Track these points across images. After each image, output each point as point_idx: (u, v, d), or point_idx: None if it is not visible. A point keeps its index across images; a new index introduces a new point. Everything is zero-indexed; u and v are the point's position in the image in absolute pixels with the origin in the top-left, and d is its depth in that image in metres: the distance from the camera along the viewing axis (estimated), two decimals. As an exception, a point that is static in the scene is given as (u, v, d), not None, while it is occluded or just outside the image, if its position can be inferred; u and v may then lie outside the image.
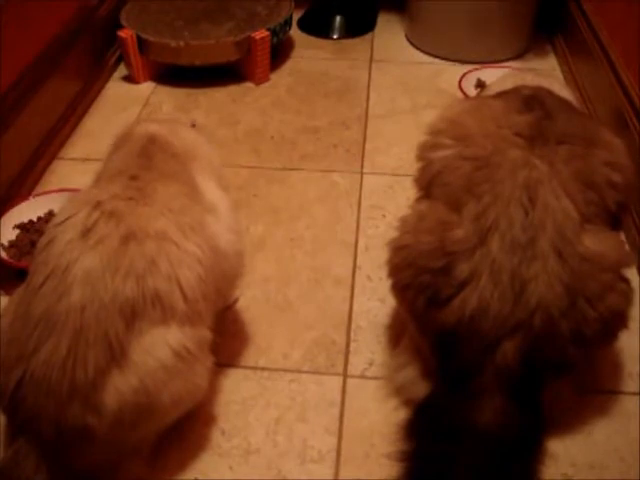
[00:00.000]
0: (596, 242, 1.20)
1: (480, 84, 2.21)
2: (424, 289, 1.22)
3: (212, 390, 1.36)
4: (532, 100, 1.40)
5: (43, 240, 1.15)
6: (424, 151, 1.40)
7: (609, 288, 1.18)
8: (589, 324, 1.16)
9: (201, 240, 1.19)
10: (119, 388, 1.06)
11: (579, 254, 1.17)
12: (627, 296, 1.21)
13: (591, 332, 1.17)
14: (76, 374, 1.04)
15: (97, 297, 1.06)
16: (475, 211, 1.21)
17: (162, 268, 1.12)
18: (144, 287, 1.09)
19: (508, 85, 1.53)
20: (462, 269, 1.18)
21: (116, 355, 1.06)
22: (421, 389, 1.29)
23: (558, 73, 2.43)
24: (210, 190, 1.32)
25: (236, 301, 1.57)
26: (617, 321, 1.21)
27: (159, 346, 1.10)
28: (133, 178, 1.21)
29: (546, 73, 2.26)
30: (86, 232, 1.10)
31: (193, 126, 1.49)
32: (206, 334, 1.20)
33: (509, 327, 1.15)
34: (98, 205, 1.13)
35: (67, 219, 1.13)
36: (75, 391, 1.04)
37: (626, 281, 1.22)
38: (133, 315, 1.08)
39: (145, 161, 1.27)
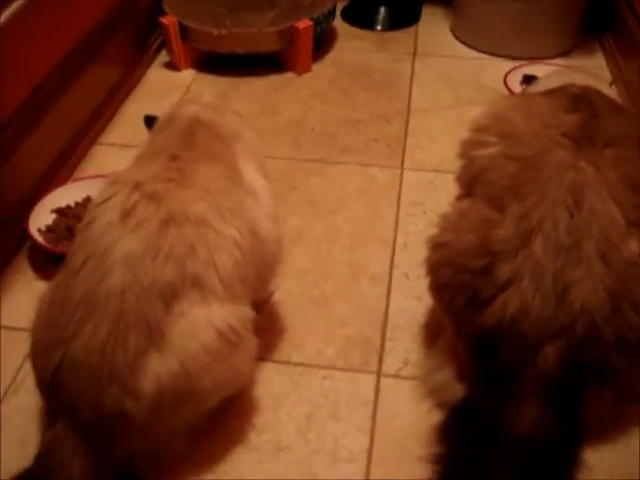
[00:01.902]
0: (642, 247, 1.17)
1: (526, 81, 2.17)
2: (463, 289, 1.19)
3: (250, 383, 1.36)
4: (580, 99, 1.37)
5: (83, 221, 1.15)
6: (467, 148, 1.37)
7: (655, 294, 1.14)
8: (633, 330, 1.13)
9: (240, 223, 1.19)
10: (158, 372, 1.06)
11: (624, 259, 1.14)
12: (674, 303, 1.18)
13: (635, 338, 1.14)
14: (116, 357, 1.04)
15: (137, 281, 1.05)
16: (519, 212, 1.18)
17: (201, 253, 1.11)
18: (184, 271, 1.09)
19: (555, 83, 1.50)
20: (504, 270, 1.15)
21: (155, 338, 1.06)
22: (456, 392, 1.27)
23: (605, 71, 2.38)
24: (251, 174, 1.31)
25: (272, 294, 1.55)
26: (662, 328, 1.17)
27: (202, 327, 1.09)
28: (174, 158, 1.21)
29: (594, 73, 2.21)
30: (126, 214, 1.09)
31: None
32: (248, 312, 1.19)
33: (551, 331, 1.12)
34: (138, 186, 1.13)
35: (107, 200, 1.13)
36: (114, 375, 1.04)
37: (672, 286, 1.18)
38: (173, 297, 1.07)
39: (188, 139, 1.26)
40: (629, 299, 1.13)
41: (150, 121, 1.42)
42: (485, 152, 1.32)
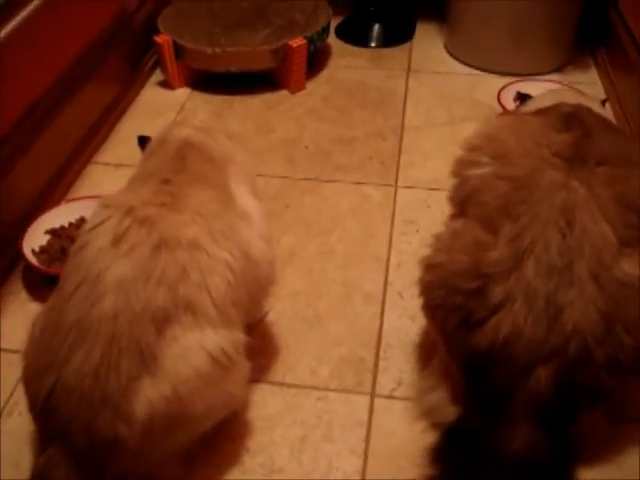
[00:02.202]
0: (635, 267, 1.16)
1: (519, 97, 2.17)
2: (456, 310, 1.19)
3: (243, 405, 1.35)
4: (571, 118, 1.37)
5: (75, 245, 1.15)
6: (460, 168, 1.38)
7: (648, 315, 1.14)
8: (626, 352, 1.13)
9: (232, 246, 1.19)
10: (150, 397, 1.05)
11: (617, 279, 1.14)
12: (667, 323, 1.17)
13: (628, 360, 1.13)
14: (108, 382, 1.04)
15: (129, 305, 1.05)
16: (511, 233, 1.18)
17: (193, 277, 1.11)
18: (176, 295, 1.09)
19: (547, 102, 1.50)
20: (496, 292, 1.15)
21: (148, 363, 1.05)
22: (450, 413, 1.26)
23: (599, 86, 2.39)
24: (244, 197, 1.31)
25: (266, 315, 1.55)
26: (655, 349, 1.17)
27: (194, 352, 1.09)
28: (165, 182, 1.21)
29: (584, 92, 2.22)
30: (118, 239, 1.10)
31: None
32: (241, 337, 1.18)
33: (543, 353, 1.12)
34: (130, 211, 1.13)
35: (99, 225, 1.13)
36: (107, 400, 1.04)
37: (666, 307, 1.18)
38: (165, 322, 1.07)
39: (179, 163, 1.26)
40: (622, 320, 1.12)
41: (143, 141, 1.42)
42: (477, 172, 1.32)
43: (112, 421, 1.04)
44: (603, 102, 1.64)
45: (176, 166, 1.26)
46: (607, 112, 1.53)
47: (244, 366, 1.20)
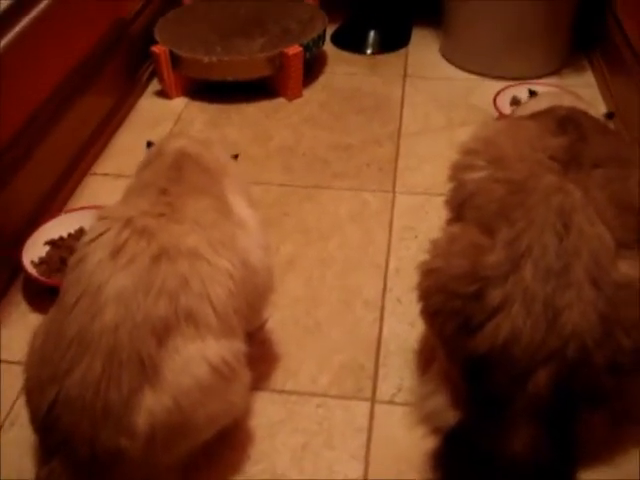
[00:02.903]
0: (632, 269, 1.17)
1: (516, 101, 2.18)
2: (455, 315, 1.19)
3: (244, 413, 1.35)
4: (567, 122, 1.38)
5: (74, 258, 1.15)
6: (457, 172, 1.38)
7: (646, 316, 1.14)
8: (625, 353, 1.13)
9: (232, 254, 1.19)
10: (152, 409, 1.05)
11: (615, 281, 1.14)
12: (665, 324, 1.18)
13: (627, 362, 1.14)
14: (110, 394, 1.04)
15: (130, 316, 1.05)
16: (508, 236, 1.18)
17: (194, 286, 1.11)
18: (177, 305, 1.09)
19: (543, 105, 1.51)
20: (494, 295, 1.15)
21: (149, 375, 1.05)
22: (450, 417, 1.26)
23: (595, 90, 2.39)
24: (240, 206, 1.31)
25: (266, 322, 1.55)
26: (654, 350, 1.17)
27: (196, 362, 1.09)
28: (163, 192, 1.21)
29: (582, 94, 2.22)
30: (117, 251, 1.10)
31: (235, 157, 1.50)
32: (242, 346, 1.19)
33: (542, 356, 1.12)
34: (128, 222, 1.13)
35: (98, 237, 1.13)
36: (109, 412, 1.04)
37: (664, 308, 1.18)
38: (167, 333, 1.07)
39: (175, 174, 1.27)
40: (620, 322, 1.13)
41: (151, 146, 1.43)
42: (474, 176, 1.33)
43: (114, 433, 1.04)
44: (609, 116, 1.63)
45: (173, 176, 1.26)
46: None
47: (245, 375, 1.20)
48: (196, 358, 1.09)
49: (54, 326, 1.12)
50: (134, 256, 1.09)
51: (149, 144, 1.45)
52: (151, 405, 1.05)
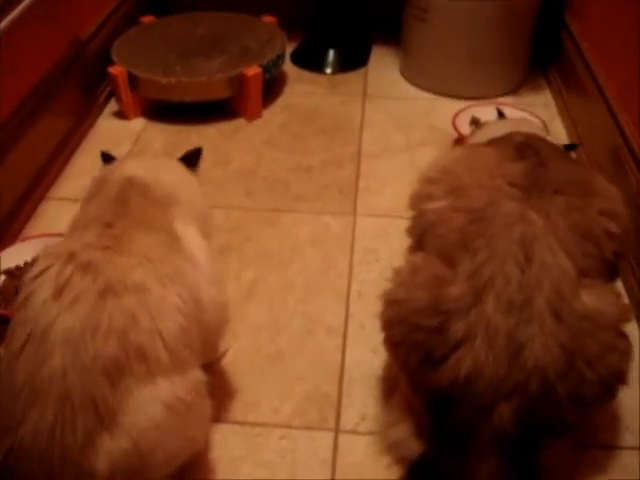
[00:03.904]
0: (594, 299, 1.17)
1: (475, 121, 2.19)
2: (417, 347, 1.18)
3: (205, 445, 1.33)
4: (525, 147, 1.38)
5: (21, 296, 1.11)
6: (416, 201, 1.38)
7: (608, 347, 1.14)
8: (588, 385, 1.13)
9: (181, 289, 1.15)
10: (110, 452, 1.03)
11: (577, 313, 1.14)
12: (627, 354, 1.18)
13: (590, 393, 1.14)
14: (65, 441, 1.01)
15: (78, 359, 1.02)
16: (470, 268, 1.18)
17: (143, 322, 1.08)
18: (126, 343, 1.05)
19: (500, 132, 1.51)
20: (457, 329, 1.14)
21: (104, 418, 1.03)
22: (414, 447, 1.26)
23: (553, 108, 2.41)
24: (190, 238, 1.27)
25: (225, 353, 1.53)
26: (616, 380, 1.17)
27: (150, 404, 1.06)
28: (108, 226, 1.18)
29: (540, 114, 2.24)
30: (60, 290, 1.06)
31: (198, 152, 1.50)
32: (198, 376, 1.16)
33: (505, 390, 1.12)
34: (71, 257, 1.10)
35: (41, 273, 1.10)
36: (66, 458, 1.01)
37: (625, 338, 1.18)
38: (118, 373, 1.04)
39: (121, 208, 1.23)
40: (583, 355, 1.12)
41: (107, 159, 1.42)
42: (434, 206, 1.32)
43: (74, 478, 1.02)
44: (570, 147, 1.64)
45: (118, 210, 1.22)
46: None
47: (204, 406, 1.18)
48: (150, 399, 1.06)
49: (4, 373, 1.08)
50: (79, 294, 1.06)
51: (105, 156, 1.43)
52: (110, 449, 1.03)
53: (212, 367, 1.45)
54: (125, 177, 1.30)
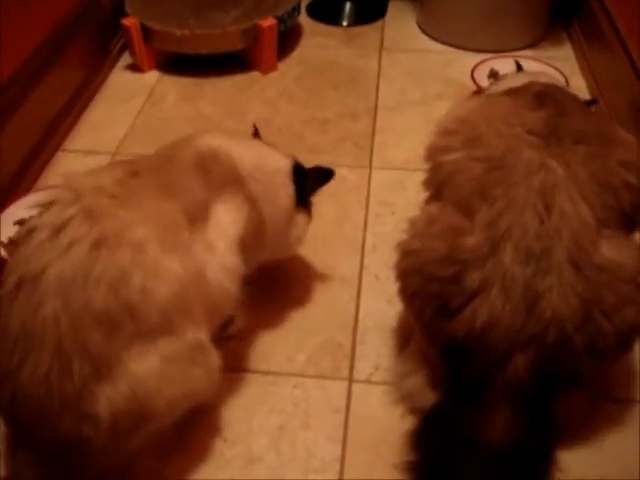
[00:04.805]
0: (613, 250, 1.15)
1: (493, 74, 2.16)
2: (433, 298, 1.18)
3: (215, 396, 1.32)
4: (544, 96, 1.35)
5: (22, 230, 1.11)
6: (433, 153, 1.35)
7: (626, 300, 1.13)
8: (604, 337, 1.12)
9: (184, 259, 1.12)
10: (111, 397, 1.03)
11: (596, 264, 1.13)
12: (644, 307, 1.17)
13: (606, 345, 1.13)
14: (63, 387, 1.01)
15: (70, 308, 1.02)
16: (487, 217, 1.16)
17: (134, 279, 1.05)
18: (116, 297, 1.04)
19: (518, 82, 1.48)
20: (473, 278, 1.13)
21: (100, 365, 1.02)
22: (428, 398, 1.25)
23: (573, 62, 2.37)
24: (221, 225, 1.21)
25: (240, 330, 1.48)
26: (633, 333, 1.17)
27: (146, 357, 1.06)
28: (133, 174, 1.16)
29: (560, 67, 2.20)
30: (57, 232, 1.05)
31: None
32: (198, 338, 1.15)
33: (521, 341, 1.11)
34: (77, 198, 1.08)
35: (46, 208, 1.09)
36: (66, 403, 1.02)
37: (644, 290, 1.17)
38: (111, 325, 1.03)
39: (164, 162, 1.22)
40: (600, 306, 1.11)
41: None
42: (451, 157, 1.30)
43: (75, 423, 1.02)
44: (590, 103, 1.61)
45: (159, 164, 1.21)
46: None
47: (209, 362, 1.17)
48: (145, 353, 1.06)
49: (1, 318, 1.07)
50: (74, 240, 1.04)
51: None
52: (110, 394, 1.03)
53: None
54: (208, 145, 1.28)
